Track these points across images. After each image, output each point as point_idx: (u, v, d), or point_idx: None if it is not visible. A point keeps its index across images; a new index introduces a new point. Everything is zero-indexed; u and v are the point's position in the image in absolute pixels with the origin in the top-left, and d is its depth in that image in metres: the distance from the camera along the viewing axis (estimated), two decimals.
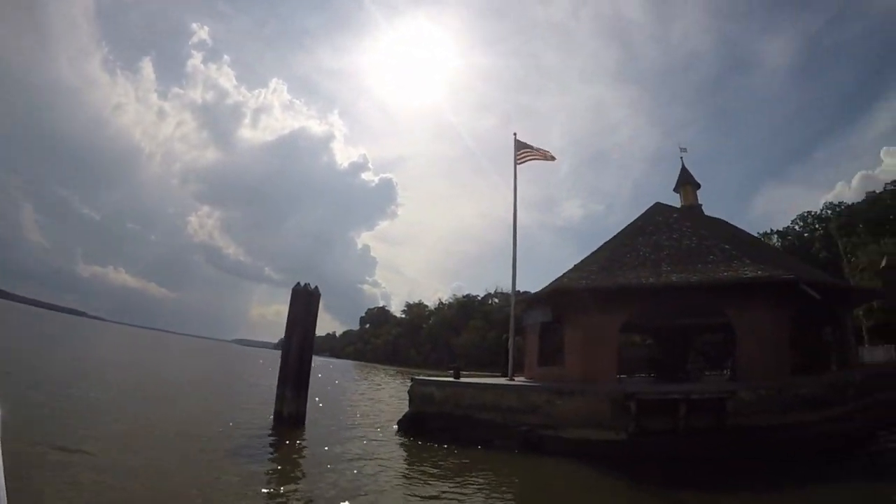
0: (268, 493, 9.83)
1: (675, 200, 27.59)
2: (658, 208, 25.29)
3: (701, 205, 27.15)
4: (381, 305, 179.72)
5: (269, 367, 61.51)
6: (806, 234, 78.53)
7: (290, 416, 17.94)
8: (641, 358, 30.05)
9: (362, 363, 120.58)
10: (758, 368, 17.80)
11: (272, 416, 18.16)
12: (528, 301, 22.28)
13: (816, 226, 77.83)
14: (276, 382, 18.68)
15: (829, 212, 78.79)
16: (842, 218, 72.09)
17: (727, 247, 20.98)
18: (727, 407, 15.00)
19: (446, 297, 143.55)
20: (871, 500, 10.88)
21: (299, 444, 15.28)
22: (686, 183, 27.52)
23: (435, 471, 12.85)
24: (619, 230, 25.00)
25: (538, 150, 22.52)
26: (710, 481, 12.21)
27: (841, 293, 22.75)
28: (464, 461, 14.01)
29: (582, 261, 23.63)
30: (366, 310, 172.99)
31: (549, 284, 22.60)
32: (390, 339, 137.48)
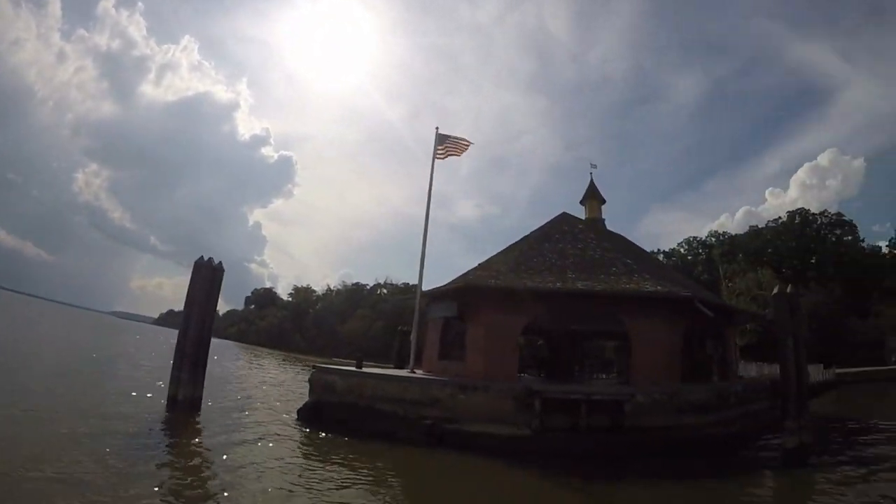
0: (158, 488, 9.36)
1: (579, 211, 29.24)
2: (564, 218, 26.60)
3: (604, 219, 28.96)
4: (268, 287, 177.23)
5: (152, 345, 58.53)
6: (690, 257, 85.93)
7: (185, 401, 17.27)
8: (532, 357, 31.65)
9: (245, 345, 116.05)
10: (651, 374, 19.23)
11: (165, 401, 17.43)
12: (432, 295, 22.50)
13: (700, 250, 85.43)
14: (162, 363, 17.85)
15: (713, 239, 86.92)
16: (724, 246, 79.85)
17: (629, 261, 22.69)
18: (625, 408, 16.20)
19: (335, 283, 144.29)
20: (742, 492, 12.27)
21: (195, 431, 14.87)
22: (592, 197, 29.26)
23: (335, 463, 12.76)
24: (514, 233, 26.46)
25: (459, 140, 23.03)
26: (607, 476, 13.15)
27: (727, 313, 25.47)
28: (365, 453, 13.98)
29: (487, 260, 24.31)
30: (252, 290, 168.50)
31: (454, 281, 23.10)
32: (276, 322, 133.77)
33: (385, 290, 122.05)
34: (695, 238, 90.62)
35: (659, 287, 20.50)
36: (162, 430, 14.65)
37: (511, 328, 19.66)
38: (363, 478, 11.68)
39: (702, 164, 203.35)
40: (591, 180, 29.67)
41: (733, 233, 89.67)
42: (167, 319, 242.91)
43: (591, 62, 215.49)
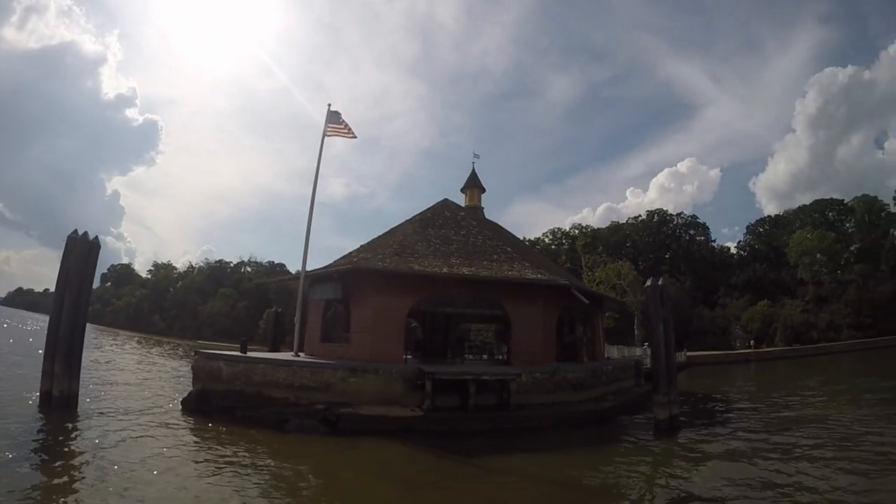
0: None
1: (457, 197, 30.55)
2: (446, 204, 27.60)
3: (483, 207, 30.39)
4: (125, 262, 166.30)
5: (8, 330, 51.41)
6: (554, 246, 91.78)
7: (61, 397, 16.01)
8: (409, 339, 32.51)
9: (102, 327, 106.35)
10: (530, 355, 21.16)
11: (37, 398, 16.23)
12: (316, 277, 22.44)
13: (564, 241, 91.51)
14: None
15: (577, 231, 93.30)
16: (587, 238, 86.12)
17: (509, 249, 24.30)
18: (511, 387, 17.48)
19: (196, 260, 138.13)
20: (614, 459, 13.83)
21: (72, 430, 13.79)
22: (474, 186, 30.68)
23: (223, 454, 12.46)
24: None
25: (344, 126, 22.86)
26: (497, 451, 14.17)
27: (597, 300, 27.93)
28: (256, 442, 13.86)
29: (369, 243, 24.87)
30: (108, 266, 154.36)
31: (337, 262, 23.39)
32: (134, 301, 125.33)
33: (250, 269, 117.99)
34: (559, 229, 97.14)
35: (539, 275, 22.16)
36: (36, 432, 13.38)
37: (398, 310, 20.22)
38: (254, 468, 11.55)
39: (569, 161, 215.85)
40: (473, 170, 31.04)
41: (595, 226, 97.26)
42: (15, 299, 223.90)
43: (474, 53, 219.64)
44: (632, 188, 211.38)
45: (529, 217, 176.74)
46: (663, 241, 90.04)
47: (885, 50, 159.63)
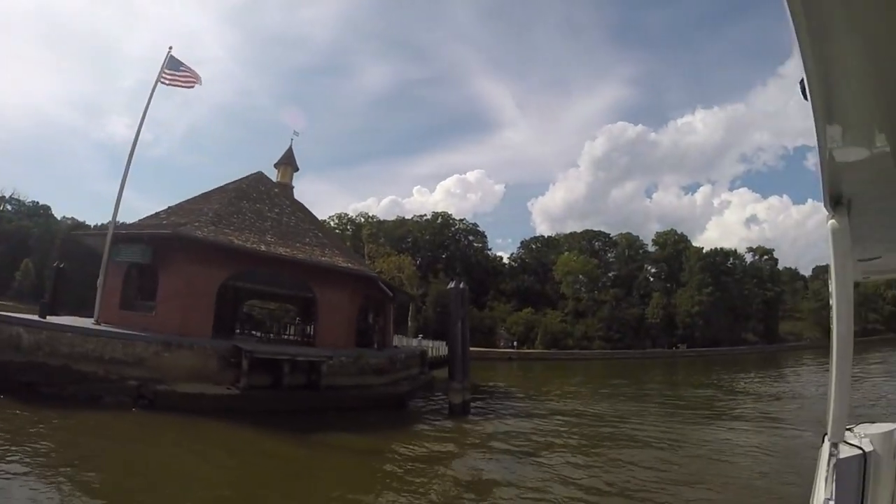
0: None
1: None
2: (260, 178, 28.12)
3: (294, 186, 31.46)
4: None
5: None
6: (338, 231, 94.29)
7: None
8: None
9: None
10: (333, 339, 23.05)
11: None
12: (123, 236, 21.19)
13: (349, 227, 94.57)
14: None
15: (363, 219, 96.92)
16: (372, 228, 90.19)
17: (320, 234, 26.13)
18: (322, 369, 19.35)
19: None
20: (410, 436, 16.67)
21: None
22: (288, 163, 31.38)
23: (23, 437, 11.69)
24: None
25: (189, 72, 22.42)
26: (307, 427, 15.80)
27: (392, 292, 30.64)
28: (63, 423, 13.38)
29: (179, 206, 24.39)
30: None
31: (145, 221, 22.89)
32: None
33: (9, 207, 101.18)
34: (345, 214, 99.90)
35: (349, 264, 24.28)
36: None
37: (209, 283, 20.64)
38: (62, 452, 11.07)
39: (365, 148, 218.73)
40: (291, 147, 31.76)
41: (378, 216, 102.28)
42: None
43: (301, 17, 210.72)
44: (419, 186, 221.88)
45: (315, 196, 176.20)
46: (443, 241, 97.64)
47: (673, 121, 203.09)
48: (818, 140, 2.30)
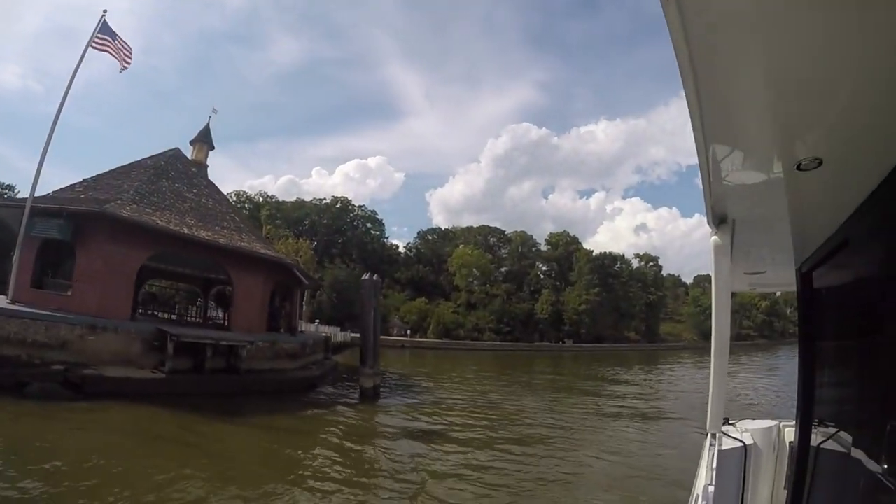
0: None
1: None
2: (178, 155, 27.75)
3: (209, 165, 31.23)
4: None
5: None
6: (237, 208, 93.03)
7: None
8: None
9: None
10: (248, 323, 23.75)
11: None
12: (41, 210, 20.24)
13: (247, 205, 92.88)
14: None
15: (261, 198, 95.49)
16: (271, 209, 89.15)
17: (237, 218, 26.56)
18: (242, 354, 20.07)
19: None
20: (326, 418, 17.87)
21: None
22: (204, 142, 30.75)
23: None
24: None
25: (125, 47, 22.16)
26: (228, 410, 16.61)
27: (307, 279, 31.69)
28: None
29: (94, 180, 23.60)
30: None
31: (61, 193, 22.15)
32: None
33: None
34: (244, 192, 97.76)
35: (267, 251, 24.97)
36: None
37: (130, 264, 20.54)
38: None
39: (267, 124, 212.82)
40: (208, 125, 31.22)
41: (275, 195, 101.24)
42: None
43: None
44: (319, 168, 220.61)
45: (210, 170, 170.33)
46: (341, 226, 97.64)
47: (576, 128, 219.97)
48: (700, 164, 2.50)
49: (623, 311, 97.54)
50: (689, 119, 2.04)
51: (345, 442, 14.49)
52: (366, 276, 24.17)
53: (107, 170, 24.57)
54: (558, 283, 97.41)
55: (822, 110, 1.95)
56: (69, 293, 19.94)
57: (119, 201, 20.80)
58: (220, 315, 35.24)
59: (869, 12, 1.41)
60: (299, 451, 13.58)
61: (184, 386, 17.81)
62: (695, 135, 2.16)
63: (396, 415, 19.18)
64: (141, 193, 22.38)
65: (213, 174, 30.26)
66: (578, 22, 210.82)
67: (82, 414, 14.14)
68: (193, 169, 27.82)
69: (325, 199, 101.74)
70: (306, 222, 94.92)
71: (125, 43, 22.32)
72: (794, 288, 4.59)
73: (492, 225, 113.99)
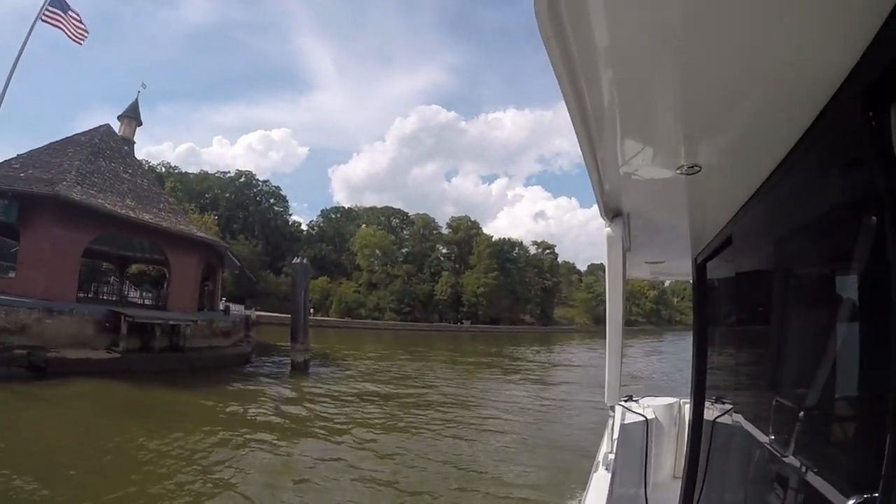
0: None
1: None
2: (109, 132, 27.78)
3: (135, 142, 31.50)
4: None
5: None
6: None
7: None
8: None
9: None
10: (182, 303, 24.99)
11: None
12: None
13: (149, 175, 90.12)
14: None
15: (164, 169, 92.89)
16: (175, 182, 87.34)
17: (171, 200, 28.00)
18: (186, 332, 21.53)
19: None
20: (270, 387, 20.19)
21: None
22: (132, 118, 31.07)
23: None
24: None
25: (79, 23, 22.20)
26: (176, 383, 18.12)
27: (239, 261, 33.50)
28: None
29: (29, 155, 23.64)
30: None
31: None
32: None
33: None
34: (147, 162, 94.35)
35: (202, 234, 26.31)
36: None
37: (76, 246, 21.26)
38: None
39: (166, 87, 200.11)
40: (136, 101, 31.49)
41: (174, 163, 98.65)
42: None
43: None
44: (220, 137, 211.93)
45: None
46: (244, 201, 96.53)
47: (484, 114, 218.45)
48: (587, 164, 2.49)
49: (519, 294, 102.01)
50: (570, 119, 2.02)
51: (282, 405, 16.99)
52: (296, 260, 26.14)
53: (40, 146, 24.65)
54: (458, 266, 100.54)
55: (698, 122, 2.01)
56: (10, 275, 20.56)
57: (65, 183, 21.03)
58: (137, 294, 35.80)
59: (746, 33, 1.43)
60: (243, 410, 15.77)
61: (137, 364, 18.96)
62: (578, 138, 2.18)
63: (327, 382, 21.95)
64: (82, 174, 22.76)
65: None
66: (496, 10, 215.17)
67: (50, 391, 15.00)
68: (125, 148, 28.15)
69: (228, 172, 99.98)
70: (208, 196, 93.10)
71: (80, 19, 22.34)
72: (691, 276, 4.79)
73: (393, 205, 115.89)
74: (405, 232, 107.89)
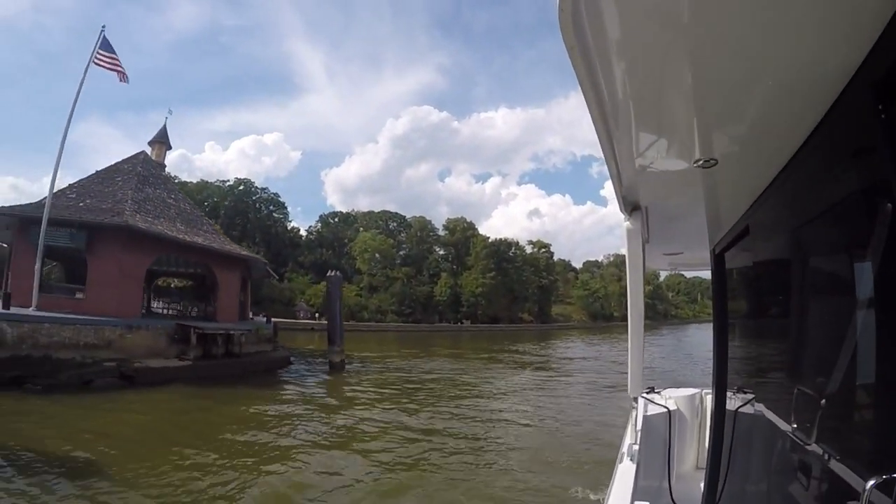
0: None
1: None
2: (148, 159, 30.02)
3: (165, 165, 34.07)
4: None
5: None
6: None
7: None
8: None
9: None
10: (230, 313, 27.57)
11: None
12: (52, 219, 21.22)
13: None
14: None
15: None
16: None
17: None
18: (241, 340, 24.16)
19: None
20: (315, 382, 23.73)
21: None
22: (162, 142, 33.38)
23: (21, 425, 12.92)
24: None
25: (119, 63, 23.90)
26: (236, 386, 20.60)
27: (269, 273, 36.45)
28: (63, 410, 14.65)
29: (82, 186, 25.61)
30: None
31: (55, 201, 22.62)
32: None
33: None
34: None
35: (244, 251, 29.35)
36: None
37: (140, 268, 23.63)
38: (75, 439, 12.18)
39: (156, 93, 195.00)
40: (165, 125, 33.88)
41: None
42: None
43: None
44: (213, 142, 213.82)
45: (98, 140, 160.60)
46: (244, 209, 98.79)
47: (476, 114, 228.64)
48: (606, 158, 2.55)
49: (517, 293, 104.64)
50: (590, 116, 2.05)
51: (329, 398, 20.22)
52: (331, 273, 28.49)
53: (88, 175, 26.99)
54: (455, 267, 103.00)
55: (713, 114, 2.02)
56: (78, 296, 22.77)
57: (126, 212, 23.31)
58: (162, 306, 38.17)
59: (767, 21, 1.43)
60: (310, 394, 20.15)
61: (204, 370, 21.31)
62: (597, 132, 2.19)
63: (365, 378, 24.90)
64: (137, 202, 24.93)
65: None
66: (486, 9, 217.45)
67: (140, 398, 17.27)
68: (164, 174, 30.73)
69: (228, 180, 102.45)
70: (207, 204, 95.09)
71: (119, 60, 23.96)
72: (710, 267, 4.69)
73: (387, 206, 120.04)
74: (402, 235, 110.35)
